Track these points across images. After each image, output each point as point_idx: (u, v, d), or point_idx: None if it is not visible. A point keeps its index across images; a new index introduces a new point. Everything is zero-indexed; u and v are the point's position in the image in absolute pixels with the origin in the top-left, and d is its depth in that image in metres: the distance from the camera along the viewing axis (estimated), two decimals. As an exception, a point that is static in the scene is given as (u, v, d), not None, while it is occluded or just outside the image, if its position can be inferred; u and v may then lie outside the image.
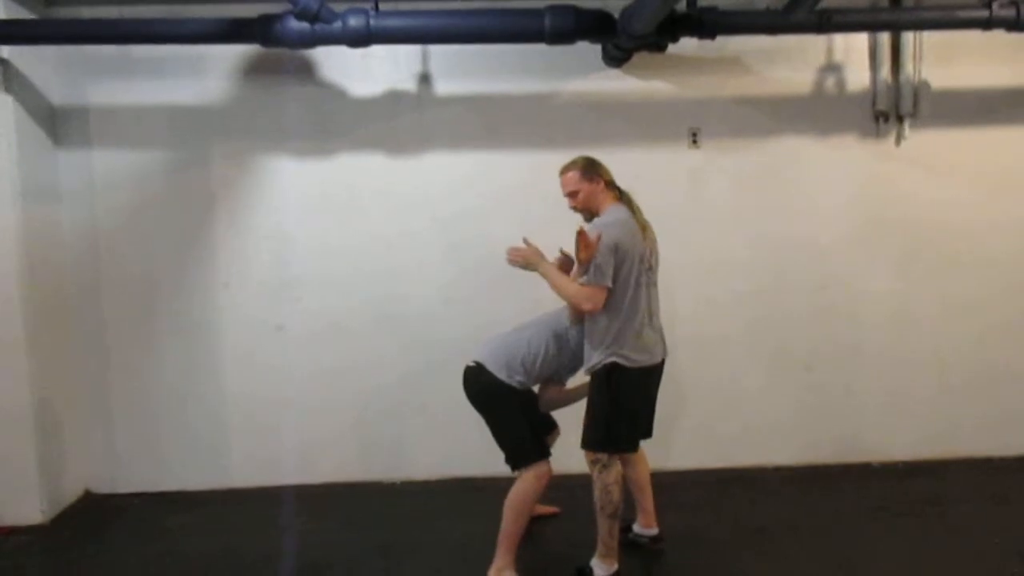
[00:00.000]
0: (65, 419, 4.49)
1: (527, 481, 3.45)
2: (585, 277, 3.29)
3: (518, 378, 3.54)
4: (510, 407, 3.54)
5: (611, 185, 3.49)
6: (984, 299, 4.75)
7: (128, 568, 3.80)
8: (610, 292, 3.29)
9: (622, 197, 3.49)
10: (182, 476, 4.65)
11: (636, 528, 3.85)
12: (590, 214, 3.50)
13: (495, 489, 3.97)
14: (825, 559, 3.69)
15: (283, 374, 4.64)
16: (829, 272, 4.71)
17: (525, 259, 3.46)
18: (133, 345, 4.61)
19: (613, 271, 3.27)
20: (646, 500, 3.79)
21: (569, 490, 3.95)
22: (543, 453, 3.53)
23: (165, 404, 4.64)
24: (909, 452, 4.78)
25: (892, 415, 4.79)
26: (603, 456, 3.40)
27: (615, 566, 3.46)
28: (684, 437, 4.74)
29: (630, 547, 3.77)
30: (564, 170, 3.50)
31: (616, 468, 3.42)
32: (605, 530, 3.44)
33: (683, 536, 3.76)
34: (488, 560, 3.47)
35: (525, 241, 3.51)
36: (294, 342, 4.63)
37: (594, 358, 3.38)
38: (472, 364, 3.59)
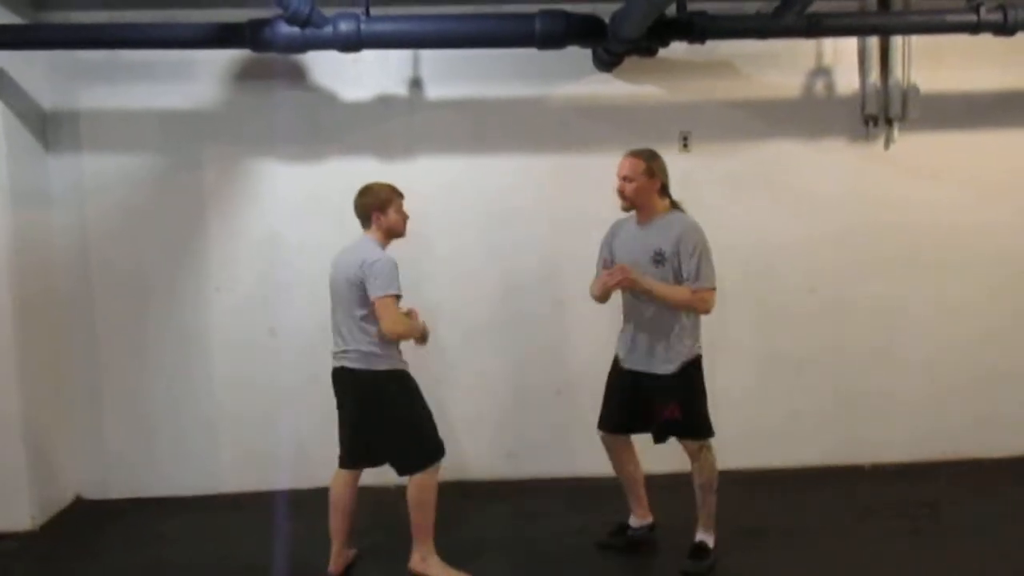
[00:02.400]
0: (55, 424, 4.48)
1: (429, 474, 3.45)
2: (696, 283, 3.43)
3: (392, 363, 3.46)
4: (411, 395, 3.50)
5: (664, 189, 3.55)
6: (973, 301, 4.77)
7: (119, 574, 3.79)
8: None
9: (675, 204, 3.59)
10: (174, 481, 4.64)
11: (633, 522, 3.89)
12: (630, 206, 3.56)
13: (485, 491, 4.00)
14: (817, 561, 3.70)
15: (275, 378, 4.63)
16: (819, 275, 4.73)
17: (629, 281, 3.44)
18: (124, 349, 4.59)
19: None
20: (641, 492, 3.86)
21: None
22: (441, 446, 3.53)
23: (156, 409, 4.63)
24: (900, 454, 4.80)
25: (883, 417, 4.80)
26: (706, 442, 3.60)
27: (714, 535, 3.68)
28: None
29: (626, 546, 3.83)
30: (631, 154, 3.54)
31: (714, 449, 3.62)
32: (713, 504, 3.66)
33: (676, 538, 3.76)
34: (485, 564, 3.50)
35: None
36: (285, 346, 4.62)
37: (683, 354, 3.50)
38: (348, 367, 3.45)
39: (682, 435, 3.59)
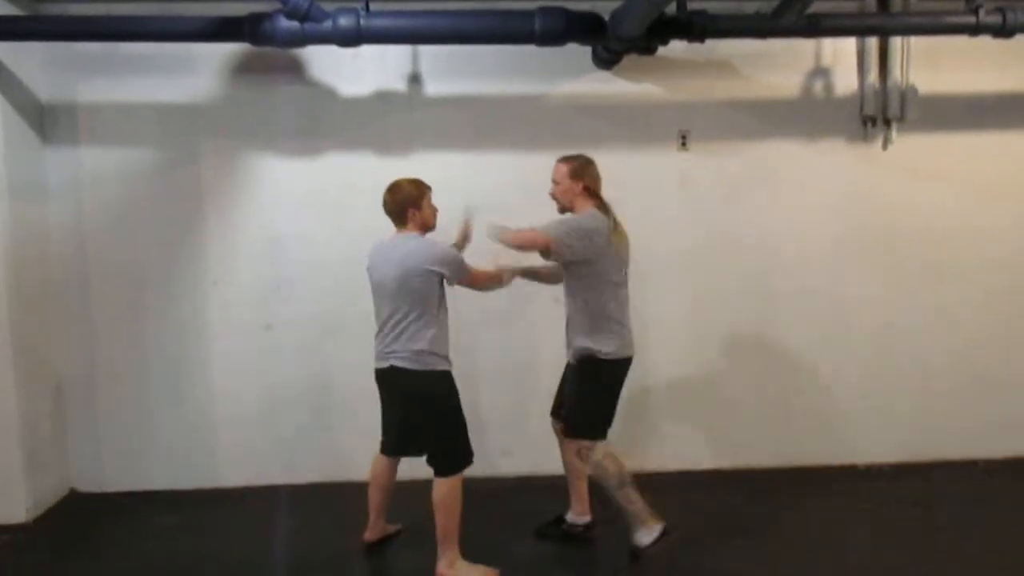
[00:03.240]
0: (51, 417, 4.47)
1: (454, 479, 3.49)
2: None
3: (444, 365, 3.51)
4: (456, 400, 3.54)
5: (591, 192, 3.64)
6: (969, 304, 4.78)
7: (113, 568, 3.79)
8: (588, 283, 3.54)
9: (601, 205, 3.63)
10: (169, 475, 4.63)
11: (569, 517, 3.95)
12: (562, 208, 3.71)
13: (486, 488, 3.99)
14: (810, 561, 3.71)
15: (271, 373, 4.64)
16: (815, 275, 4.74)
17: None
18: (120, 343, 4.59)
19: (580, 253, 3.49)
20: (582, 488, 3.90)
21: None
22: (472, 454, 3.57)
23: (152, 403, 4.62)
24: (895, 454, 4.81)
25: (877, 418, 4.82)
26: (586, 443, 3.61)
27: (656, 525, 3.58)
28: (669, 438, 4.76)
29: (561, 539, 3.89)
30: (560, 159, 3.71)
31: (600, 448, 3.60)
32: (622, 500, 3.58)
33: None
34: (485, 556, 3.53)
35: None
36: (282, 341, 4.62)
37: (584, 349, 3.58)
38: (398, 366, 3.46)
39: (566, 431, 3.72)
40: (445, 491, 3.47)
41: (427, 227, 3.58)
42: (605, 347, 3.56)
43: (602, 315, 3.56)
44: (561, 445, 3.86)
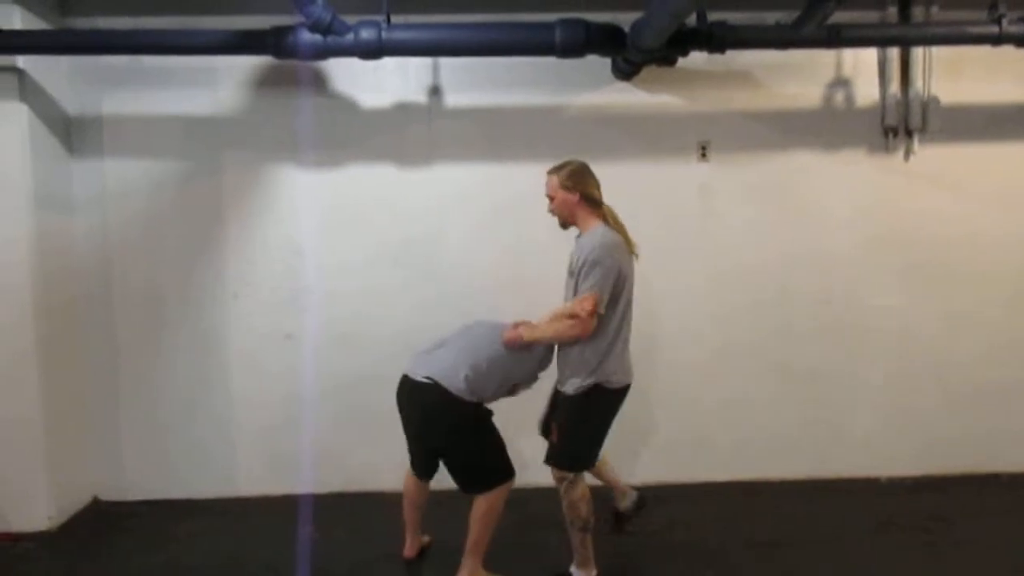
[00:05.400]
0: (74, 427, 4.51)
1: (500, 493, 3.46)
2: (580, 292, 3.29)
3: (480, 395, 3.46)
4: (489, 424, 3.52)
5: (589, 199, 3.42)
6: (991, 314, 4.74)
7: (135, 576, 3.82)
8: (601, 316, 3.29)
9: (604, 215, 3.45)
10: (190, 484, 4.66)
11: (622, 505, 3.97)
12: (563, 223, 3.51)
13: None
14: (830, 574, 3.68)
15: (291, 384, 4.65)
16: (835, 286, 4.71)
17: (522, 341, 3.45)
18: (143, 353, 4.63)
19: (609, 297, 3.27)
20: (611, 474, 3.90)
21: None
22: (512, 468, 3.52)
23: (174, 412, 4.66)
24: (915, 467, 4.76)
25: (898, 429, 4.77)
26: (569, 475, 3.40)
27: (593, 571, 3.50)
28: (688, 450, 4.73)
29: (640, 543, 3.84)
30: (549, 171, 3.50)
31: (581, 484, 3.41)
32: (577, 542, 3.47)
33: (689, 549, 3.75)
34: (503, 567, 3.53)
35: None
36: (303, 351, 4.64)
37: (580, 378, 3.35)
38: (427, 380, 3.41)
39: (547, 459, 3.47)
40: (484, 505, 3.45)
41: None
42: (613, 376, 3.35)
43: (616, 338, 3.34)
44: None
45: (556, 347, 3.52)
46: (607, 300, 3.27)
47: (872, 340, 4.74)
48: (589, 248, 3.31)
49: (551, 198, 3.47)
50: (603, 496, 3.89)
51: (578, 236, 3.49)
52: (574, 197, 3.41)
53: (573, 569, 3.53)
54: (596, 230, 3.38)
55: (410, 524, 3.84)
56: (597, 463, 3.69)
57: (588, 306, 3.23)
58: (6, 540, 4.16)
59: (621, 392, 3.42)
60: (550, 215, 3.55)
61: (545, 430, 3.69)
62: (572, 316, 3.28)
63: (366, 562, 3.85)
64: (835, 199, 4.67)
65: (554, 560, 3.78)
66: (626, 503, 3.96)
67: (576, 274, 3.36)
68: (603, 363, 3.33)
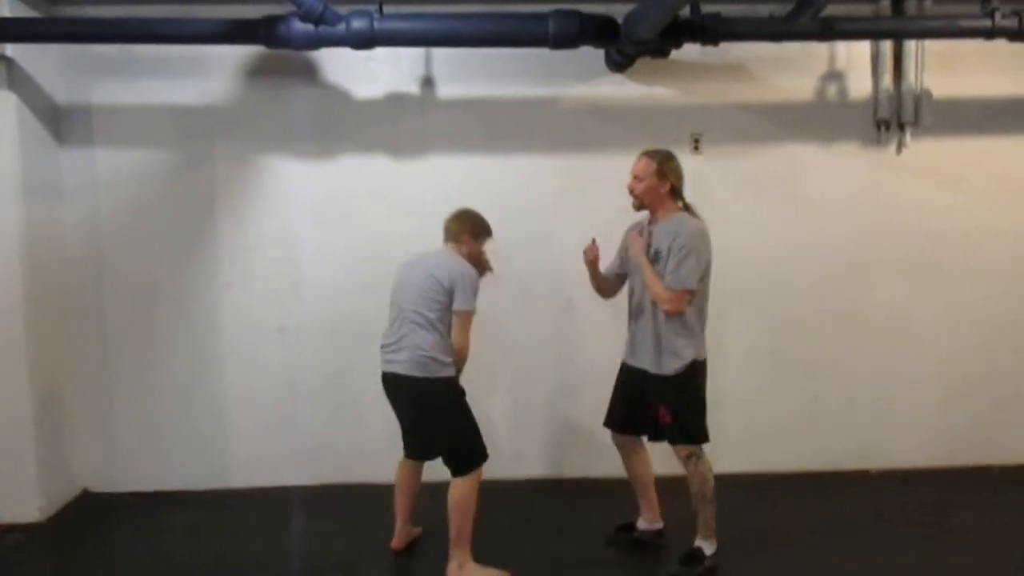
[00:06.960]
0: (65, 417, 4.50)
1: (471, 479, 3.49)
2: (667, 280, 3.42)
3: (449, 371, 3.52)
4: (466, 403, 3.57)
5: (675, 191, 3.56)
6: (984, 307, 4.76)
7: (126, 568, 3.80)
8: (693, 296, 3.45)
9: (687, 207, 3.58)
10: (182, 476, 4.65)
11: (641, 524, 3.90)
12: (641, 205, 3.60)
13: (499, 490, 3.99)
14: (824, 567, 3.70)
15: (284, 375, 4.65)
16: (829, 279, 4.72)
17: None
18: (134, 344, 4.61)
19: (701, 277, 3.44)
20: (651, 495, 3.86)
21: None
22: (487, 451, 3.58)
23: (166, 403, 4.64)
24: (909, 460, 4.79)
25: (892, 422, 4.80)
26: (697, 448, 3.54)
27: (715, 545, 3.63)
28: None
29: (634, 546, 3.86)
30: (645, 154, 3.59)
31: (706, 457, 3.57)
32: (710, 514, 3.60)
33: (683, 542, 3.75)
34: (500, 557, 3.54)
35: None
36: (295, 343, 4.64)
37: (680, 357, 3.48)
38: (401, 374, 3.49)
39: (671, 440, 3.59)
40: (459, 492, 3.47)
41: (471, 259, 3.65)
42: (700, 349, 3.53)
43: (697, 318, 3.52)
44: (626, 456, 3.80)
45: (645, 333, 3.58)
46: (697, 280, 3.43)
47: (865, 332, 4.75)
48: (686, 234, 3.45)
49: (639, 178, 3.56)
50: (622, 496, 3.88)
51: (651, 222, 3.62)
52: (664, 186, 3.53)
53: (700, 542, 3.62)
54: (682, 216, 3.54)
55: (401, 514, 3.84)
56: (648, 480, 3.83)
57: (672, 306, 3.43)
58: (-4, 531, 4.15)
59: (705, 363, 3.58)
60: (630, 194, 3.60)
61: (619, 422, 3.76)
62: (660, 297, 3.44)
63: (361, 554, 3.85)
64: (827, 192, 4.68)
65: (551, 552, 3.80)
66: (646, 526, 3.91)
67: (665, 257, 3.46)
68: (698, 339, 3.53)
